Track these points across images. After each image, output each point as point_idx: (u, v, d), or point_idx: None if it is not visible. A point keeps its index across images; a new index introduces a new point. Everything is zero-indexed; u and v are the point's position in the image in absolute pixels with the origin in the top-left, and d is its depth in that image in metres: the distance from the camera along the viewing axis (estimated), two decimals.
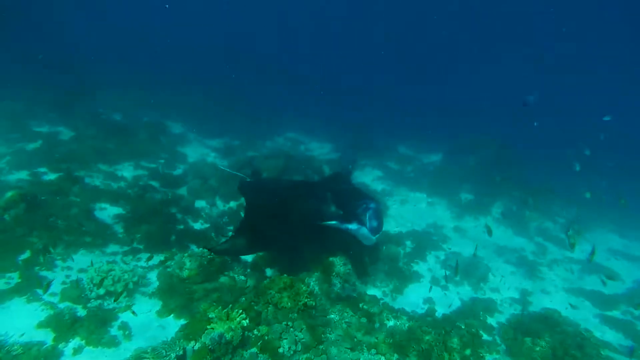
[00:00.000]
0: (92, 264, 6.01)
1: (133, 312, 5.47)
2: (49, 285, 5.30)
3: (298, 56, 36.11)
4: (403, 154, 17.71)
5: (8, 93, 12.98)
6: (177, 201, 9.08)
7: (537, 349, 5.69)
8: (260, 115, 18.54)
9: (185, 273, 6.01)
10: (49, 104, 13.01)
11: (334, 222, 5.79)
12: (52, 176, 8.91)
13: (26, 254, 6.08)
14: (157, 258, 6.89)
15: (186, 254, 6.35)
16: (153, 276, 6.35)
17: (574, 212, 13.55)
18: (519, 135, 18.07)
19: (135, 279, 5.90)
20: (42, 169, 9.09)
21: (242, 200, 9.91)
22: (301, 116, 19.68)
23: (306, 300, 5.63)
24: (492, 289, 8.17)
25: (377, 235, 6.06)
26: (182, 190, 9.93)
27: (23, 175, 8.70)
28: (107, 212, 8.04)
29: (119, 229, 7.57)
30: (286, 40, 38.07)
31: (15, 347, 4.30)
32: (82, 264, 6.26)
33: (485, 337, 6.06)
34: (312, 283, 6.10)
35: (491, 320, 6.82)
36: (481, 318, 6.74)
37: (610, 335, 7.21)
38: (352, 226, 5.80)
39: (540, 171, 15.72)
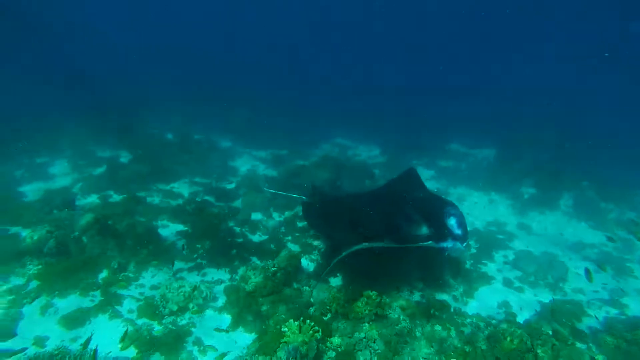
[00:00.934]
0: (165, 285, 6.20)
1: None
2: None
3: (338, 62, 36.15)
4: (455, 151, 17.01)
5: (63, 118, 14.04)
6: (233, 214, 9.24)
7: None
8: (306, 124, 18.68)
9: (250, 286, 6.01)
10: (106, 129, 13.89)
11: (429, 243, 5.49)
12: (117, 198, 9.44)
13: (104, 273, 6.41)
14: (221, 272, 7.00)
15: (250, 267, 6.38)
16: (219, 290, 6.43)
17: None
18: (575, 130, 16.76)
19: (204, 294, 6.00)
20: (110, 192, 9.66)
21: (298, 209, 9.92)
22: (347, 121, 19.57)
23: (377, 310, 5.41)
24: (575, 290, 7.44)
25: (465, 244, 5.70)
26: (237, 203, 10.11)
27: (94, 198, 9.30)
28: (170, 229, 8.33)
29: (181, 245, 7.80)
30: (323, 48, 38.25)
31: None
32: (152, 281, 6.49)
33: (578, 344, 5.46)
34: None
35: (581, 326, 6.16)
36: (569, 323, 6.11)
37: None
38: (448, 244, 5.45)
39: (605, 165, 14.39)
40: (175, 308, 5.63)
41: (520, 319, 6.14)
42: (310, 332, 4.69)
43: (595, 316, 6.40)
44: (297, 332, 4.69)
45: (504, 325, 5.21)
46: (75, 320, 5.38)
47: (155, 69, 24.74)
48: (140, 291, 6.23)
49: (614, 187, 12.31)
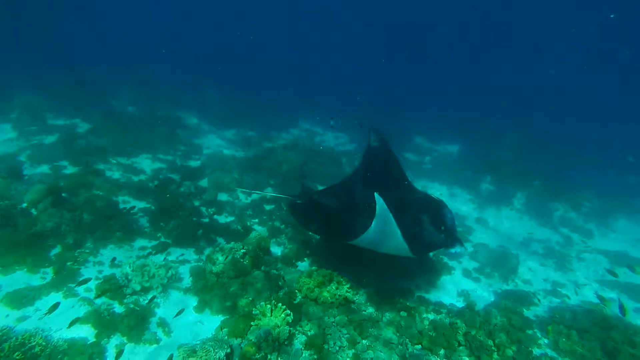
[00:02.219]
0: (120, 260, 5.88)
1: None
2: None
3: (305, 50, 35.60)
4: (420, 145, 17.50)
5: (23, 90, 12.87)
6: (199, 194, 8.93)
7: (584, 342, 5.54)
8: (274, 108, 18.32)
9: (218, 268, 5.86)
10: (63, 99, 12.85)
11: (441, 249, 5.45)
12: (72, 169, 8.77)
13: (57, 249, 5.96)
14: (188, 252, 6.77)
15: (217, 248, 6.21)
16: (185, 271, 6.21)
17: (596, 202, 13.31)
18: (539, 127, 17.81)
19: (169, 274, 5.77)
20: (63, 162, 8.94)
21: (267, 192, 9.77)
22: (315, 108, 19.41)
23: (347, 294, 5.50)
24: (524, 281, 8.02)
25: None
26: (203, 183, 9.77)
27: (44, 169, 8.57)
28: (131, 205, 7.89)
29: (144, 222, 7.44)
30: (292, 36, 37.49)
31: (61, 343, 4.21)
32: (113, 258, 6.14)
33: (528, 331, 5.90)
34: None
35: (528, 314, 6.66)
36: (519, 311, 6.58)
37: None
38: (457, 249, 5.30)
39: (561, 162, 15.49)
40: (138, 288, 5.36)
41: (479, 307, 6.50)
42: (282, 315, 4.68)
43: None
44: (269, 315, 4.66)
45: (465, 313, 5.50)
46: (23, 298, 4.97)
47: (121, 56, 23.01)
48: (99, 269, 5.87)
49: (562, 187, 13.30)
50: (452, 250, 5.29)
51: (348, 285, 5.60)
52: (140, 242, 6.83)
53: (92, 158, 9.54)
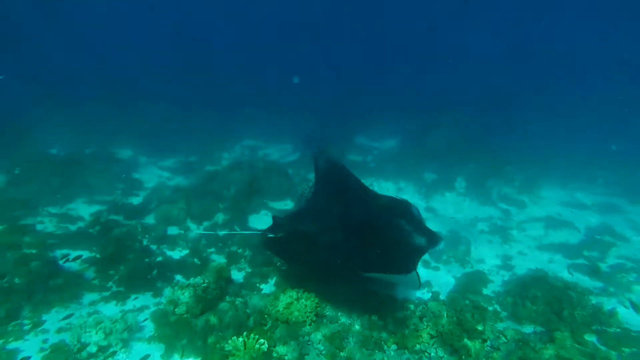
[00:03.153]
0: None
1: None
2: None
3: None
4: (361, 145, 18.01)
5: None
6: (147, 232, 8.44)
7: (535, 307, 6.08)
8: (212, 127, 17.82)
9: (181, 307, 5.59)
10: None
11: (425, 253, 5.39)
12: None
13: None
14: (145, 297, 6.36)
15: (177, 287, 5.91)
16: (146, 318, 5.83)
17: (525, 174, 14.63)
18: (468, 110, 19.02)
19: (128, 325, 5.37)
20: None
21: (217, 218, 9.50)
22: (255, 122, 19.20)
23: (317, 309, 5.51)
24: (478, 261, 8.58)
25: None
26: (150, 219, 9.25)
27: None
28: (74, 256, 7.23)
29: (91, 274, 6.87)
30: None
31: None
32: (59, 323, 5.58)
33: (490, 308, 6.34)
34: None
35: (487, 291, 7.15)
36: (478, 290, 7.04)
37: (586, 281, 7.89)
38: (439, 245, 5.30)
39: (494, 142, 16.73)
40: (94, 349, 4.93)
41: (443, 295, 6.85)
42: (257, 346, 4.57)
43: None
44: (242, 348, 4.53)
45: (432, 304, 5.76)
46: None
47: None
48: (43, 338, 5.31)
49: (495, 165, 14.43)
50: (438, 248, 5.32)
51: (317, 301, 5.61)
52: (89, 297, 6.31)
53: (17, 213, 8.62)
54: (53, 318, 5.68)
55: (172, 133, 15.79)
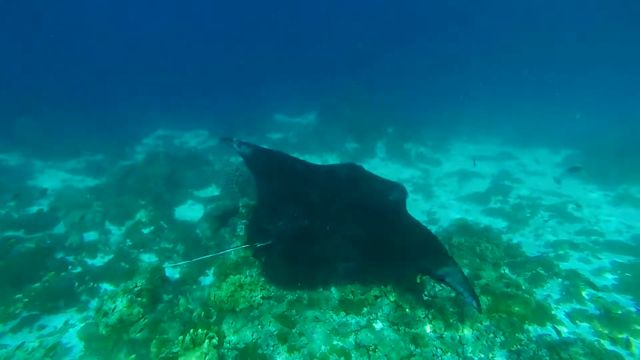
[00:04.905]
0: None
1: None
2: None
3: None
4: (281, 122, 17.82)
5: None
6: (59, 242, 7.48)
7: (462, 252, 6.80)
8: (119, 119, 16.12)
9: (115, 317, 5.13)
10: None
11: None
12: None
13: None
14: (68, 314, 5.71)
15: (106, 296, 5.40)
16: (72, 338, 5.26)
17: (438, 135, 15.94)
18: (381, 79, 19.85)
19: (51, 351, 4.80)
20: None
21: (140, 215, 8.79)
22: (167, 110, 17.83)
23: (262, 292, 5.47)
24: None
25: None
26: (59, 229, 8.19)
27: None
28: None
29: None
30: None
31: None
32: None
33: None
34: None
35: None
36: None
37: (498, 223, 9.01)
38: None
39: (405, 109, 17.79)
40: None
41: None
42: (207, 340, 4.41)
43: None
44: (191, 346, 4.34)
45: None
46: None
47: None
48: None
49: (411, 128, 15.42)
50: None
51: (261, 283, 5.56)
52: None
53: None
54: None
55: (68, 137, 13.89)
